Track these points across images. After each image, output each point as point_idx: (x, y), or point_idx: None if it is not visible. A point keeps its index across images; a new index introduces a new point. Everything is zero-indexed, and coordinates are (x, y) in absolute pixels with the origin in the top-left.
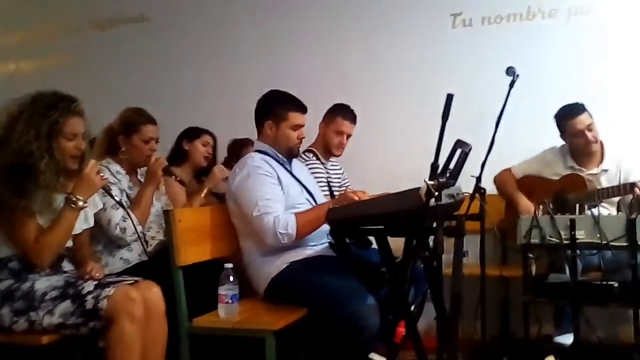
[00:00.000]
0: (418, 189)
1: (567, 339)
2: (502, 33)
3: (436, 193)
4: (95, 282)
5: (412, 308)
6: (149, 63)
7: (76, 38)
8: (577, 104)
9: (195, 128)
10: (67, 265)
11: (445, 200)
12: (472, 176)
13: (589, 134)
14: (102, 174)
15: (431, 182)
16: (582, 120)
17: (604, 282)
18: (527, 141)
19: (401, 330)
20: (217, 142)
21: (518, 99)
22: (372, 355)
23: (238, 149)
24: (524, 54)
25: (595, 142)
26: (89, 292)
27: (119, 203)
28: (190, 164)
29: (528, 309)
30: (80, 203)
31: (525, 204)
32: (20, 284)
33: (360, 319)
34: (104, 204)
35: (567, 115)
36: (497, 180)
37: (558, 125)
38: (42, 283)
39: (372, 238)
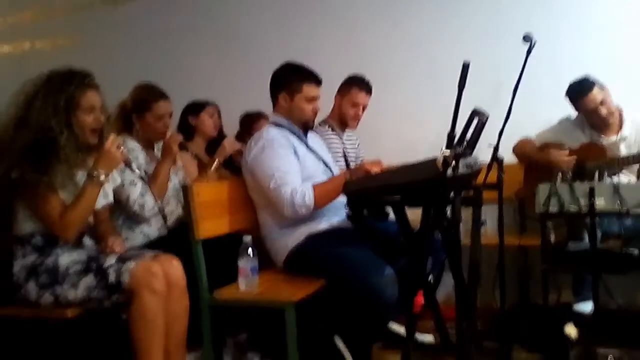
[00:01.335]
0: (435, 159)
1: (587, 307)
2: (516, 6)
3: (453, 163)
4: (117, 256)
5: (430, 278)
6: (163, 39)
7: (88, 15)
8: (585, 79)
9: (196, 102)
10: (87, 241)
11: (462, 170)
12: (489, 144)
13: (602, 110)
14: (122, 149)
15: (448, 152)
16: (593, 98)
17: (624, 250)
18: (545, 110)
19: (420, 300)
20: (224, 112)
21: (535, 67)
22: (391, 325)
23: (250, 122)
24: (541, 22)
25: (611, 114)
26: (111, 266)
27: (140, 177)
28: (201, 137)
29: (547, 278)
30: (102, 177)
31: (556, 154)
32: (44, 259)
33: (379, 290)
34: (122, 181)
35: (578, 94)
36: (517, 148)
37: (571, 103)
38: (65, 258)
39: (389, 209)
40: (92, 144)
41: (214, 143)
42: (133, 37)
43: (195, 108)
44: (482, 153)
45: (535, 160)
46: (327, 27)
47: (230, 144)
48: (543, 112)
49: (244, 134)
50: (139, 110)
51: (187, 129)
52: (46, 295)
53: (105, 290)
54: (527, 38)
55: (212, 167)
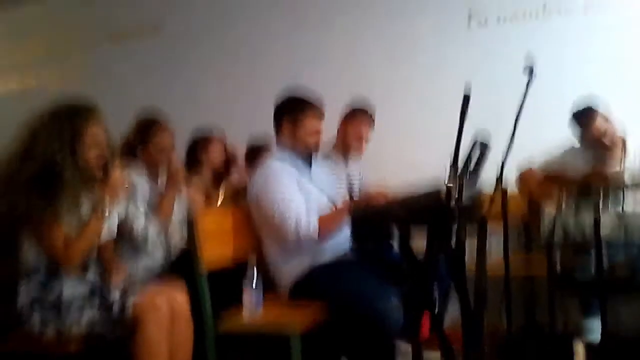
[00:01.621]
0: (439, 191)
1: (595, 334)
2: (518, 31)
3: (456, 195)
4: (121, 290)
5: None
6: (166, 68)
7: (94, 51)
8: (587, 108)
9: (203, 135)
10: (91, 276)
11: (466, 201)
12: (494, 173)
13: (605, 140)
14: (126, 183)
15: (451, 184)
16: (596, 128)
17: (631, 277)
18: (549, 132)
19: (426, 326)
20: (228, 137)
21: (539, 90)
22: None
23: (255, 155)
24: (545, 44)
25: (614, 145)
26: (115, 301)
27: (144, 212)
28: (208, 169)
29: (554, 303)
30: (107, 211)
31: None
32: (48, 293)
33: (385, 317)
34: (125, 213)
35: (581, 124)
36: (521, 181)
37: (573, 131)
38: (69, 292)
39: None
40: (96, 177)
41: (220, 175)
42: (137, 68)
43: (202, 143)
44: (486, 180)
45: (535, 196)
46: (329, 51)
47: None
48: (547, 135)
49: (249, 166)
50: (142, 142)
51: (194, 162)
52: (49, 329)
53: (109, 324)
54: (527, 69)
55: (219, 202)
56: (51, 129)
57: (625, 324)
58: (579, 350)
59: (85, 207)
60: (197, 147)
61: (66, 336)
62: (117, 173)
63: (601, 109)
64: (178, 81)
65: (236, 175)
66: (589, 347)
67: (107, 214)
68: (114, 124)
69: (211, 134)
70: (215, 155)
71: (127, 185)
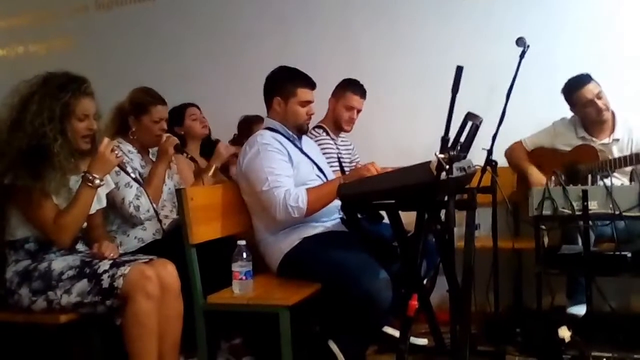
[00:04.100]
0: (429, 162)
1: (580, 310)
2: (511, 4)
3: (447, 166)
4: (111, 261)
5: (425, 282)
6: (156, 42)
7: (82, 19)
8: (582, 74)
9: (175, 110)
10: (81, 246)
11: (456, 173)
12: (483, 149)
13: (599, 102)
14: (116, 152)
15: (442, 156)
16: (590, 89)
17: (617, 253)
18: (539, 113)
19: (414, 303)
20: (220, 115)
21: (529, 70)
22: (386, 328)
23: (248, 126)
24: (535, 25)
25: (607, 109)
26: (105, 271)
27: (135, 180)
28: (193, 140)
29: (541, 281)
30: (97, 181)
31: (536, 175)
32: (37, 264)
33: (373, 294)
34: (116, 183)
35: (575, 87)
36: (508, 153)
37: (567, 99)
38: (59, 263)
39: (383, 213)
40: (84, 150)
41: (208, 146)
42: (128, 40)
43: (177, 117)
44: (477, 156)
45: (519, 169)
46: (322, 31)
47: (225, 148)
48: (537, 115)
49: (242, 137)
50: (136, 112)
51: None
52: (39, 300)
53: (99, 295)
54: (520, 42)
55: (210, 173)
56: (41, 100)
57: (610, 301)
58: (564, 332)
59: (74, 179)
60: (174, 125)
61: (56, 307)
62: (106, 141)
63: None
64: (168, 55)
65: (224, 145)
66: (575, 324)
67: (96, 183)
68: (102, 93)
69: (182, 106)
70: (194, 125)
71: (118, 156)
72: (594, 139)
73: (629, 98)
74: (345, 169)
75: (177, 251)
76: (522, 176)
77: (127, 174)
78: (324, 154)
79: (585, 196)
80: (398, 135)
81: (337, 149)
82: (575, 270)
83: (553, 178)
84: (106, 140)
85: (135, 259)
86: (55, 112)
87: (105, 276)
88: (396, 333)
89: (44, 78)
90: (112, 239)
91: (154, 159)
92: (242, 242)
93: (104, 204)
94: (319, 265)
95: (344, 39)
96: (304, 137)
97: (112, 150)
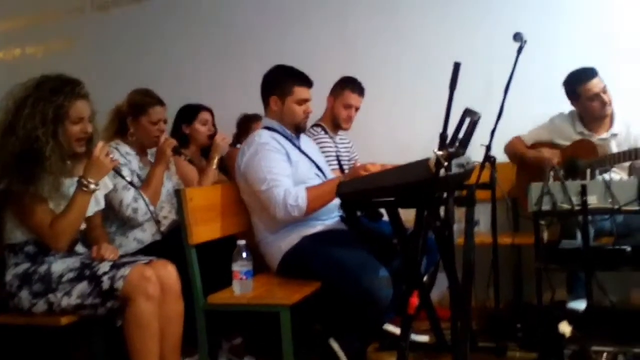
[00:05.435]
0: (427, 159)
1: (580, 305)
2: (508, 4)
3: (445, 163)
4: (111, 263)
5: (425, 278)
6: (154, 43)
7: (79, 20)
8: (587, 68)
9: (189, 108)
10: (80, 248)
11: (455, 170)
12: (481, 145)
13: (604, 96)
14: (111, 156)
15: (440, 152)
16: (596, 83)
17: (616, 247)
18: (537, 108)
19: (415, 300)
20: (218, 115)
21: (527, 66)
22: (387, 326)
23: (248, 124)
24: (533, 20)
25: (610, 104)
26: (105, 273)
27: (131, 183)
28: (195, 144)
29: (541, 276)
30: (92, 186)
31: (547, 152)
32: (37, 267)
33: (374, 292)
34: (114, 185)
35: (581, 80)
36: (508, 147)
37: (569, 91)
38: (59, 265)
39: (383, 210)
40: (79, 153)
41: (207, 149)
42: (125, 41)
43: (188, 115)
44: (475, 153)
45: (525, 159)
46: (319, 29)
47: (222, 139)
48: (535, 110)
49: (241, 135)
50: (134, 113)
51: (180, 136)
52: (39, 303)
53: (99, 297)
54: (517, 37)
55: (213, 165)
56: (35, 103)
57: (610, 295)
58: (565, 327)
59: (69, 182)
60: (183, 122)
61: (56, 310)
62: (101, 145)
63: None
64: (165, 55)
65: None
66: (575, 319)
67: (92, 187)
68: (98, 95)
69: (197, 107)
70: (202, 130)
71: (113, 160)
72: (592, 133)
73: (626, 92)
74: (344, 167)
75: (177, 252)
76: (521, 171)
77: (123, 177)
78: (322, 152)
79: (584, 191)
80: (397, 132)
81: (336, 147)
82: (575, 265)
83: (552, 173)
84: (100, 144)
85: (135, 260)
86: (47, 115)
87: (105, 278)
88: (397, 330)
89: (38, 81)
90: (111, 241)
91: (152, 161)
92: (242, 242)
93: (102, 205)
94: (319, 263)
95: (341, 37)
96: (303, 136)
97: (107, 154)
